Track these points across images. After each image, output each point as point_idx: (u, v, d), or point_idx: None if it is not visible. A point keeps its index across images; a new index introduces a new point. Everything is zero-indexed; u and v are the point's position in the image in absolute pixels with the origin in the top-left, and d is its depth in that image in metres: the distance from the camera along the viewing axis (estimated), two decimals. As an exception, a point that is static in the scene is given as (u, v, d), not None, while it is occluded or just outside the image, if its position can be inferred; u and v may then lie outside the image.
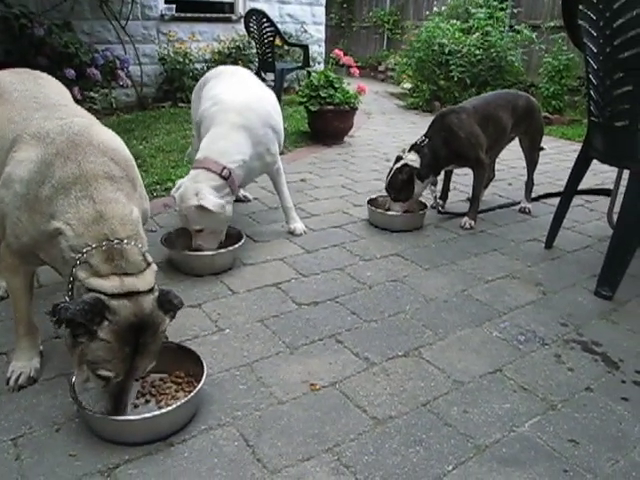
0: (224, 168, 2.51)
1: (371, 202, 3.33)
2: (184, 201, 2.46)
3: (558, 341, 2.13)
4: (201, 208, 2.42)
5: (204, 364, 1.72)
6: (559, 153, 5.34)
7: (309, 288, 2.47)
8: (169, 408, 1.56)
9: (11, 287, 1.74)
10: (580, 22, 2.61)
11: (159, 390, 1.73)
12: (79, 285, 1.43)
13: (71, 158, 1.51)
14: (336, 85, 5.18)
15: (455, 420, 1.68)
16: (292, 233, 3.07)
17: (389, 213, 3.19)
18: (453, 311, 2.32)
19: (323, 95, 5.12)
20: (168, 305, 1.49)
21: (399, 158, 3.22)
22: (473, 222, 3.28)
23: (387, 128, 6.39)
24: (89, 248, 1.43)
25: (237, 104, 2.69)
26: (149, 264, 1.52)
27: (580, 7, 2.57)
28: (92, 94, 6.54)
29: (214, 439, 1.58)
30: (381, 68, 10.92)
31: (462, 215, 3.36)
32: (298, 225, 3.09)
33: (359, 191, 3.92)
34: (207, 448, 1.54)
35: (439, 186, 3.48)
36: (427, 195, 3.51)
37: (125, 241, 1.47)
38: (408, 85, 8.37)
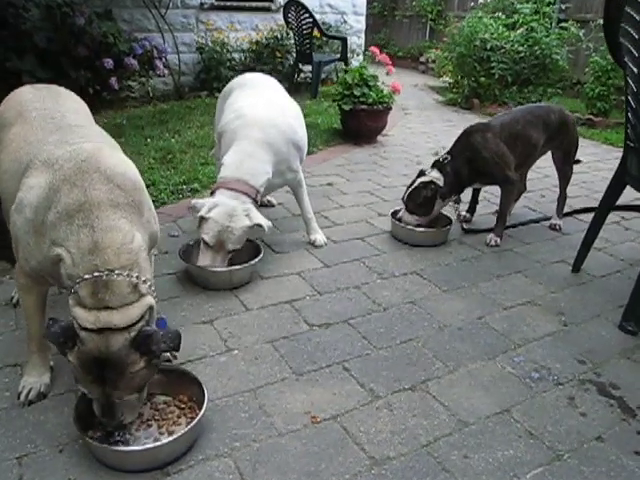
0: (257, 192, 2.51)
1: (394, 214, 3.27)
2: (235, 221, 2.42)
3: (573, 381, 2.06)
4: (250, 228, 2.44)
5: (206, 393, 1.73)
6: (599, 160, 5.13)
7: (323, 308, 2.46)
8: (168, 439, 1.58)
9: (24, 305, 1.79)
10: (622, 40, 2.48)
11: (162, 415, 1.75)
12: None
13: (77, 185, 1.53)
14: (370, 83, 5.09)
15: (454, 466, 1.65)
16: (312, 244, 3.05)
17: (412, 228, 3.13)
18: (467, 340, 2.27)
19: (357, 94, 5.04)
20: (144, 348, 1.48)
21: (422, 173, 3.15)
22: (499, 239, 3.19)
23: (422, 126, 6.26)
24: (80, 280, 1.46)
25: (260, 119, 2.66)
26: (142, 295, 1.52)
27: (622, 24, 2.44)
28: (130, 83, 6.64)
29: (210, 471, 1.59)
30: (422, 59, 10.68)
31: (488, 231, 3.28)
32: (319, 237, 3.07)
33: (386, 198, 3.86)
34: (202, 480, 1.56)
35: (466, 197, 3.39)
36: (451, 209, 3.43)
37: (116, 272, 1.47)
38: (449, 79, 8.17)
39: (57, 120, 1.81)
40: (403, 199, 3.14)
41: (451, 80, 7.91)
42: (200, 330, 2.24)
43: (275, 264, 2.83)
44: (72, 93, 2.16)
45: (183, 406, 1.79)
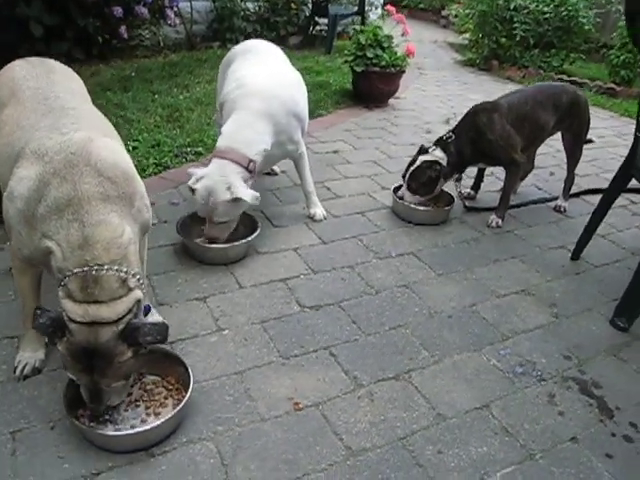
0: (250, 161, 2.48)
1: (396, 190, 3.24)
2: (215, 194, 2.41)
3: (556, 377, 2.09)
4: (234, 201, 2.42)
5: (191, 376, 1.78)
6: (616, 135, 4.99)
7: (316, 288, 2.48)
8: (155, 424, 1.65)
9: (19, 286, 1.83)
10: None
11: (150, 396, 1.81)
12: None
13: (67, 179, 1.53)
14: (384, 45, 4.94)
15: (427, 461, 1.70)
16: (311, 218, 3.05)
17: (413, 206, 3.10)
18: (455, 329, 2.30)
19: (369, 55, 4.90)
20: (131, 340, 1.53)
21: (423, 150, 3.08)
22: (500, 221, 3.16)
23: (437, 89, 6.10)
24: (69, 273, 1.49)
25: (261, 89, 2.61)
26: (130, 290, 1.55)
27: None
28: (140, 32, 6.49)
29: (192, 454, 1.66)
30: (444, 13, 10.29)
31: (490, 210, 3.24)
32: (318, 210, 3.06)
33: (391, 170, 3.82)
34: (184, 463, 1.63)
35: (471, 172, 3.35)
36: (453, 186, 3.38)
37: (106, 267, 1.50)
38: (469, 36, 7.88)
39: (50, 101, 1.79)
40: (404, 177, 3.10)
41: (472, 38, 7.63)
42: (193, 307, 2.29)
43: (272, 239, 2.84)
44: (67, 69, 2.13)
45: (170, 387, 1.85)
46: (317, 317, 2.30)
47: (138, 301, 1.58)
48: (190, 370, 1.81)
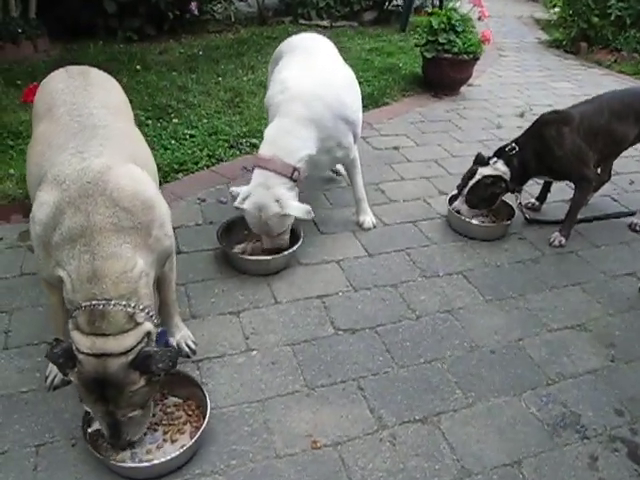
0: (294, 170, 2.40)
1: (452, 200, 3.05)
2: (265, 210, 2.36)
3: (602, 435, 1.91)
4: (281, 216, 2.37)
5: (209, 407, 1.77)
6: None
7: (353, 308, 2.39)
8: (173, 455, 1.66)
9: (48, 301, 1.87)
10: None
11: (169, 419, 1.82)
12: None
13: (81, 209, 1.52)
14: (458, 29, 4.63)
15: (444, 524, 1.61)
16: (360, 226, 2.93)
17: (469, 220, 2.90)
18: (496, 368, 2.15)
19: (442, 41, 4.62)
20: (143, 368, 1.53)
21: (481, 160, 2.86)
22: (564, 240, 2.91)
23: (515, 75, 5.69)
24: (78, 306, 1.50)
25: (304, 93, 2.48)
26: (138, 324, 1.54)
27: None
28: (211, 6, 6.46)
29: (203, 488, 1.66)
30: (534, -17, 9.54)
31: (555, 224, 2.99)
32: (367, 218, 2.94)
33: (452, 171, 3.61)
34: (194, 497, 1.64)
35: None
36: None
37: (113, 302, 1.50)
38: (558, 11, 7.27)
39: (83, 119, 1.77)
40: (459, 188, 2.91)
41: (560, 15, 7.02)
42: (225, 322, 2.27)
43: (317, 247, 2.76)
44: (107, 78, 2.10)
45: (190, 413, 1.84)
46: (350, 342, 2.22)
47: (148, 333, 1.57)
48: (208, 398, 1.79)
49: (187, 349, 2.08)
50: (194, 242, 2.73)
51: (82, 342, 1.49)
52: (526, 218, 3.08)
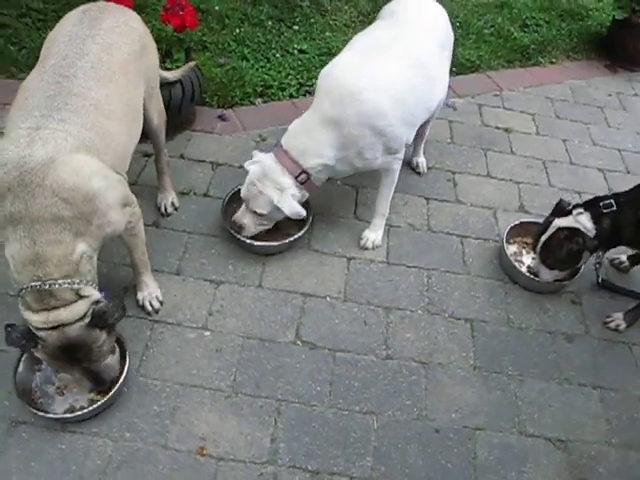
0: (301, 173, 2.24)
1: (511, 238, 2.63)
2: (264, 184, 2.26)
3: None
4: (272, 203, 2.26)
5: (125, 369, 1.93)
6: None
7: (329, 321, 2.29)
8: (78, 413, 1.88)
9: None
10: None
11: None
12: None
13: (20, 197, 1.56)
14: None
15: None
16: (359, 240, 2.58)
17: (519, 266, 2.51)
18: (427, 451, 1.98)
19: (644, 1, 3.61)
20: (102, 323, 1.69)
21: (562, 209, 2.36)
22: (624, 325, 2.40)
23: None
24: (24, 286, 1.61)
25: (338, 88, 2.16)
26: (82, 297, 1.65)
27: None
28: None
29: (90, 447, 1.86)
30: None
31: (631, 296, 2.48)
32: (372, 236, 2.57)
33: (554, 182, 3.04)
34: (78, 451, 1.84)
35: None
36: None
37: (59, 281, 1.60)
38: None
39: (63, 81, 1.71)
40: (535, 246, 2.45)
41: None
42: (201, 290, 2.32)
43: (340, 234, 2.61)
44: (125, 22, 1.94)
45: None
46: (301, 358, 2.17)
47: (97, 301, 1.69)
48: (128, 361, 1.95)
49: (150, 307, 2.20)
50: (226, 186, 2.67)
51: (35, 319, 1.63)
52: (598, 283, 2.54)
